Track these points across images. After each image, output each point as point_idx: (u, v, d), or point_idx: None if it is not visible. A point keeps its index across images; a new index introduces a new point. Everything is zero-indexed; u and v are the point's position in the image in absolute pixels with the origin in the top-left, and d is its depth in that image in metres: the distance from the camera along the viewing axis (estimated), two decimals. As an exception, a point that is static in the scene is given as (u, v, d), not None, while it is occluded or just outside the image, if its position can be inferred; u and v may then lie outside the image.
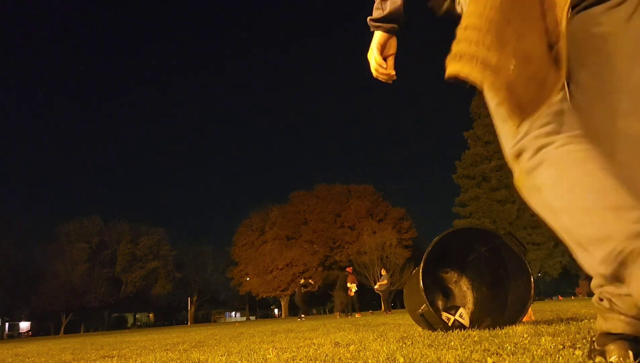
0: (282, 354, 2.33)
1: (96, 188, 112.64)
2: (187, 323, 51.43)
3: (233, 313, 71.07)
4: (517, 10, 1.03)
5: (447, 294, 3.79)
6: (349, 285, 16.43)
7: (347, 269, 16.85)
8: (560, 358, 1.52)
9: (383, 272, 16.75)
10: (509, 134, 1.12)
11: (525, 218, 35.36)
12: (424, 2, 1.45)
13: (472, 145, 38.21)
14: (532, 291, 3.14)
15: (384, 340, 2.66)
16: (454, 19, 1.47)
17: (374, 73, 1.54)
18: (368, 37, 1.50)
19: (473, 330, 2.74)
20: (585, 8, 1.14)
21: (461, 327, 3.25)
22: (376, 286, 16.09)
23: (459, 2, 1.32)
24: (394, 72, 1.54)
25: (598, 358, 1.12)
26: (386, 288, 16.03)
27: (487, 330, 2.66)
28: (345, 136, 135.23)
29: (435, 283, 3.78)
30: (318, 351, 2.31)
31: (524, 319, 3.47)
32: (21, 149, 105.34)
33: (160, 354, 3.24)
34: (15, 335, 50.03)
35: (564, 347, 1.72)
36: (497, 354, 1.69)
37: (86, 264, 47.89)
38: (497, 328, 2.80)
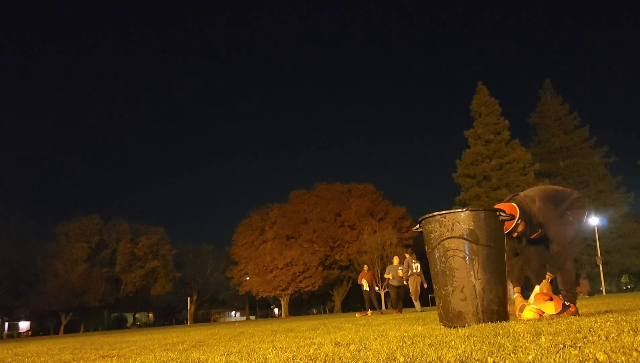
0: (282, 354, 2.33)
1: (96, 188, 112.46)
2: (187, 323, 51.41)
3: (233, 313, 71.03)
4: None
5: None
6: (364, 282, 15.95)
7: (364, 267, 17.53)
8: (560, 357, 1.51)
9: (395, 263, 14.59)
10: None
11: (525, 217, 35.26)
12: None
13: (472, 144, 38.09)
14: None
15: (385, 339, 2.65)
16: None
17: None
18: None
19: (474, 329, 2.74)
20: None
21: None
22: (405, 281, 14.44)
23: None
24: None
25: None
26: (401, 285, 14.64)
27: (487, 330, 2.65)
28: (345, 136, 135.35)
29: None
30: (318, 351, 2.30)
31: (525, 318, 3.46)
32: (20, 148, 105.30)
33: (160, 354, 3.23)
34: (14, 334, 49.98)
35: (564, 346, 1.72)
36: (497, 353, 1.69)
37: (85, 264, 47.78)
38: (498, 327, 2.79)
